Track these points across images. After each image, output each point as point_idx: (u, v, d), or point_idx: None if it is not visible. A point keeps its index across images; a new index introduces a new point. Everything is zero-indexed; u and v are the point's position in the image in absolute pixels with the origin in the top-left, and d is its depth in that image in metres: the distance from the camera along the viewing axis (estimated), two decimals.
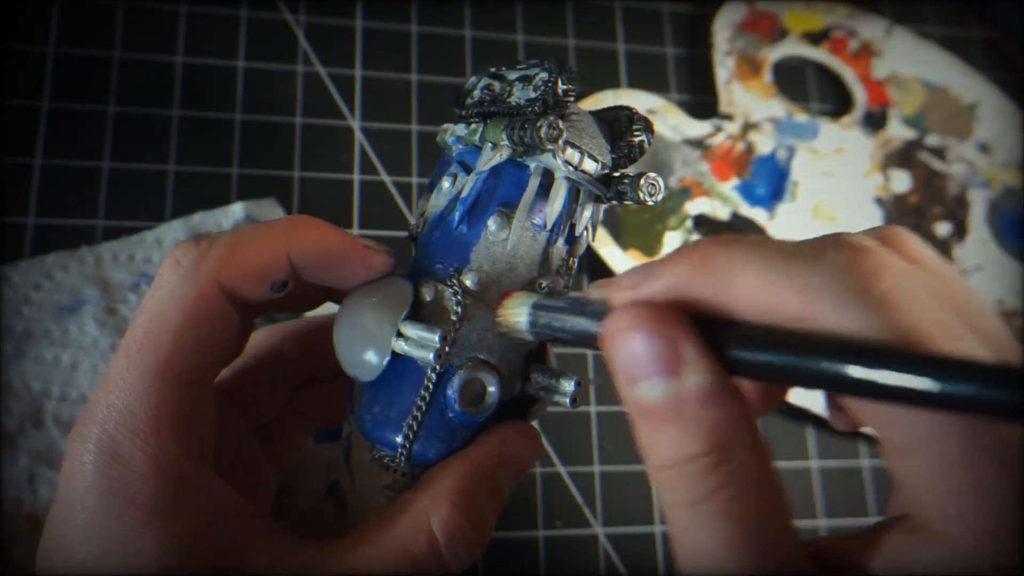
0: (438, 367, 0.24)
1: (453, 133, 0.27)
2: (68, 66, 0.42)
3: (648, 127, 0.26)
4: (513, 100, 0.26)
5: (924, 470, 0.17)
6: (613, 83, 0.49)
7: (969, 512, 0.17)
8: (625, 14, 0.51)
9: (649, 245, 0.45)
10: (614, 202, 0.26)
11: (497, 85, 0.27)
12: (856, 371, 0.15)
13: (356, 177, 0.44)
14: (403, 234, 0.43)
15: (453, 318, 0.24)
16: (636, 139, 0.26)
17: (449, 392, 0.24)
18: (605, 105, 0.46)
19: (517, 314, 0.24)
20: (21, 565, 0.33)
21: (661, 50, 0.51)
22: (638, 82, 0.50)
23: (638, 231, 0.45)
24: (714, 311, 0.18)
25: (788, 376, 0.17)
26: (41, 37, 0.43)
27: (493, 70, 0.28)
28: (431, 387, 0.24)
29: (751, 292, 0.18)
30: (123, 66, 0.43)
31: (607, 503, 0.41)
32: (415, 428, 0.24)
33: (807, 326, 0.17)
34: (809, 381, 0.17)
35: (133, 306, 0.38)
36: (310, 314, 0.31)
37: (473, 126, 0.27)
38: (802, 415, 0.45)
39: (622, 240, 0.45)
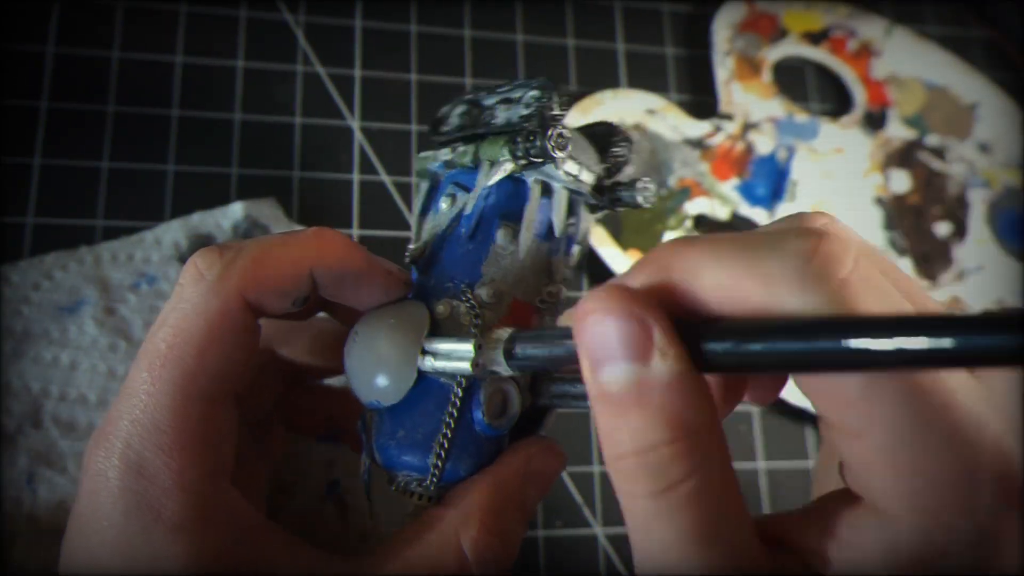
0: (465, 381, 0.24)
1: (435, 159, 0.28)
2: (67, 66, 0.42)
3: (629, 139, 0.27)
4: (500, 121, 0.26)
5: (873, 452, 0.17)
6: (612, 83, 0.49)
7: (916, 494, 0.17)
8: (624, 14, 0.51)
9: (649, 245, 0.45)
10: (607, 209, 0.27)
11: (475, 111, 0.28)
12: (832, 345, 0.15)
13: (355, 177, 0.44)
14: (403, 234, 0.44)
15: (473, 331, 0.24)
16: (621, 150, 0.27)
17: (475, 406, 0.24)
18: (605, 105, 0.46)
19: (493, 352, 0.24)
20: (21, 565, 0.33)
21: (660, 50, 0.51)
22: (637, 82, 0.50)
23: (638, 231, 0.45)
24: (683, 309, 0.19)
25: (765, 362, 0.17)
26: (40, 37, 0.43)
27: (468, 97, 0.28)
28: (458, 403, 0.24)
29: (716, 287, 0.18)
30: (122, 66, 0.43)
31: (607, 503, 0.41)
32: (446, 447, 0.24)
33: (773, 314, 0.17)
34: (787, 365, 0.17)
35: (132, 306, 0.38)
36: None
37: (460, 149, 0.27)
38: (802, 415, 0.45)
39: (622, 240, 0.45)
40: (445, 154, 0.28)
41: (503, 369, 0.24)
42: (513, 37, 0.49)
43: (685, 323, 0.18)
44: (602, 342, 0.18)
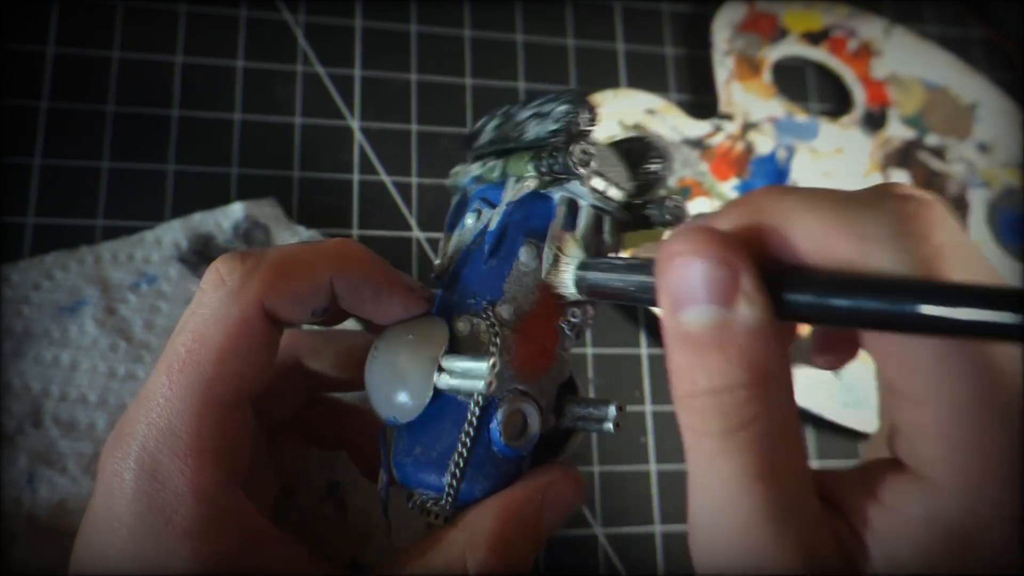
0: (482, 399, 0.23)
1: (466, 174, 0.28)
2: (67, 66, 0.42)
3: (665, 154, 0.27)
4: (530, 136, 0.26)
5: (931, 421, 0.17)
6: (612, 83, 0.49)
7: (966, 466, 0.17)
8: (624, 14, 0.51)
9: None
10: (636, 228, 0.27)
11: (508, 125, 0.28)
12: (929, 309, 0.15)
13: (356, 177, 0.44)
14: (403, 234, 0.44)
15: (492, 349, 0.24)
16: (655, 167, 0.27)
17: (493, 426, 0.24)
18: (605, 105, 0.46)
19: (562, 272, 0.24)
20: (21, 565, 0.33)
21: (660, 50, 0.51)
22: (637, 82, 0.50)
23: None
24: (769, 254, 0.19)
25: (848, 317, 0.17)
26: (40, 36, 0.43)
27: (503, 110, 0.28)
28: (475, 421, 0.24)
29: (808, 236, 0.18)
30: (122, 66, 0.43)
31: (607, 503, 0.41)
32: (461, 466, 0.24)
33: (860, 270, 0.17)
34: (869, 322, 0.17)
35: (133, 306, 0.38)
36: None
37: (490, 164, 0.27)
38: (802, 415, 0.45)
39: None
40: (476, 169, 0.27)
41: (571, 293, 0.23)
42: (513, 37, 0.49)
43: (771, 269, 0.18)
44: (687, 283, 0.18)
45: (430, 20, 0.48)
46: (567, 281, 0.24)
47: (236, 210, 0.41)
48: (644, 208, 0.26)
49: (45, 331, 0.37)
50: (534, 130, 0.26)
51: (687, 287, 0.18)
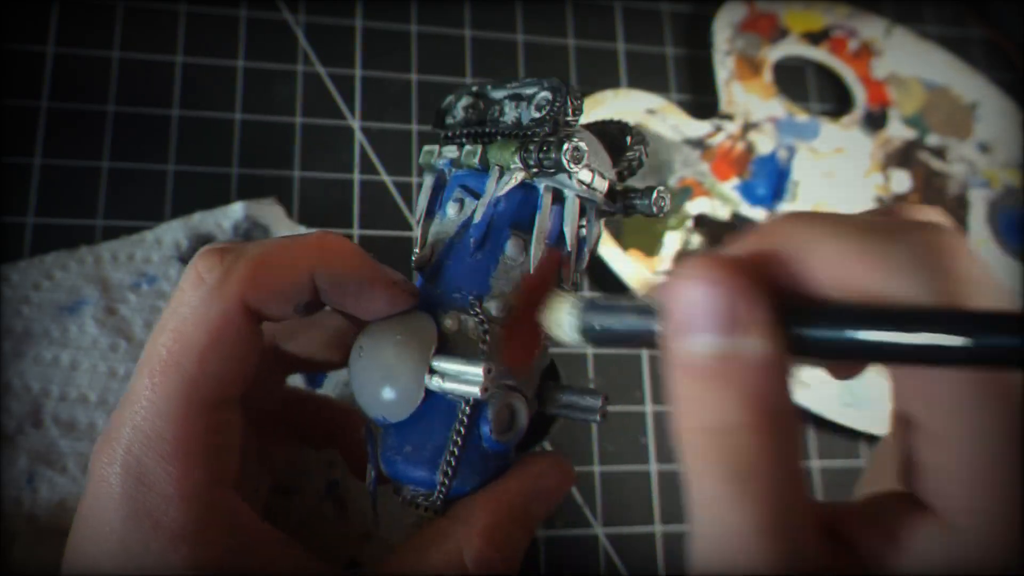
0: (479, 400, 0.23)
1: (443, 155, 0.27)
2: (67, 65, 0.42)
3: (644, 140, 0.26)
4: (507, 120, 0.26)
5: (959, 462, 0.17)
6: (613, 83, 0.49)
7: (996, 512, 0.16)
8: (625, 14, 0.51)
9: (649, 245, 0.45)
10: (619, 215, 0.26)
11: (481, 104, 0.27)
12: (953, 340, 0.15)
13: (356, 177, 0.44)
14: (404, 234, 0.44)
15: (482, 347, 0.24)
16: (636, 154, 0.26)
17: (482, 423, 0.24)
18: (605, 105, 0.46)
19: (559, 318, 0.22)
20: (21, 565, 0.33)
21: (661, 50, 0.51)
22: (638, 82, 0.50)
23: (638, 231, 0.45)
24: (787, 284, 0.18)
25: (869, 351, 0.16)
26: (40, 36, 0.43)
27: (474, 88, 0.27)
28: (466, 420, 0.23)
29: (829, 264, 0.17)
30: (122, 66, 0.43)
31: (607, 503, 0.41)
32: (453, 464, 0.24)
33: (881, 301, 0.16)
34: (892, 356, 0.16)
35: (133, 306, 0.38)
36: None
37: (468, 148, 0.26)
38: (802, 415, 0.45)
39: (623, 240, 0.45)
40: (451, 151, 0.26)
41: (571, 341, 0.22)
42: (513, 37, 0.49)
43: (786, 300, 0.17)
44: (690, 309, 0.17)
45: (430, 20, 0.48)
46: (570, 334, 0.23)
47: (236, 210, 0.41)
48: (629, 198, 0.26)
49: (45, 331, 0.37)
50: (512, 114, 0.25)
51: (693, 313, 0.17)
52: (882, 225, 0.18)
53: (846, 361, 0.21)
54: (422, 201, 0.27)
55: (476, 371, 0.23)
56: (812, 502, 0.18)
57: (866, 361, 0.20)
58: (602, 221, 0.27)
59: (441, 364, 0.23)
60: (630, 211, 0.26)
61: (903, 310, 0.16)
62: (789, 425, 0.17)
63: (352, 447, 0.32)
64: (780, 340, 0.16)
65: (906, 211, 0.20)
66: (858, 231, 0.17)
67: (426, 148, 0.28)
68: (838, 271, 0.17)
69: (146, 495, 0.21)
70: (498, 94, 0.27)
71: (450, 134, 0.27)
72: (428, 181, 0.28)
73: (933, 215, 0.19)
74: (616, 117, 0.28)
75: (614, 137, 0.27)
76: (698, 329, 0.17)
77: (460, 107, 0.27)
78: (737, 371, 0.16)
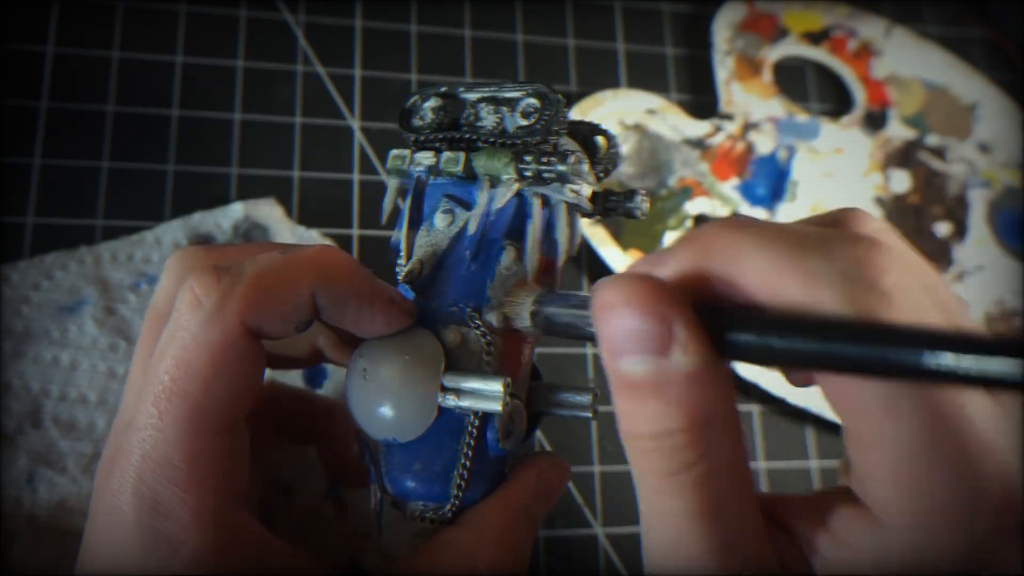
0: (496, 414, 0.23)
1: (417, 163, 0.26)
2: (67, 65, 0.42)
3: (617, 142, 0.27)
4: (485, 124, 0.25)
5: (881, 464, 0.18)
6: (612, 83, 0.49)
7: (917, 511, 0.17)
8: (624, 14, 0.51)
9: (649, 245, 0.45)
10: (600, 217, 0.27)
11: (452, 106, 0.26)
12: (861, 350, 0.16)
13: (355, 177, 0.44)
14: None
15: (487, 359, 0.23)
16: (612, 155, 0.27)
17: (489, 433, 0.24)
18: (605, 105, 0.46)
19: (520, 306, 0.24)
20: (21, 565, 0.33)
21: (660, 50, 0.51)
22: (637, 82, 0.50)
23: (638, 231, 0.45)
24: (720, 292, 0.19)
25: (789, 357, 0.17)
26: (40, 36, 0.43)
27: (442, 88, 0.27)
28: (475, 432, 0.23)
29: (756, 275, 0.18)
30: (122, 65, 0.43)
31: (607, 503, 0.41)
32: (465, 476, 0.24)
33: (801, 311, 0.17)
34: (810, 362, 0.17)
35: (132, 306, 0.38)
36: None
37: (448, 155, 0.25)
38: (802, 415, 0.45)
39: (622, 240, 0.45)
40: (427, 158, 0.26)
41: (527, 329, 0.24)
42: (513, 37, 0.49)
43: (711, 310, 0.18)
44: (620, 335, 0.18)
45: (430, 20, 0.48)
46: (523, 316, 0.24)
47: (236, 210, 0.41)
48: (609, 200, 0.26)
49: (45, 331, 0.37)
50: (490, 119, 0.25)
51: (622, 338, 0.18)
52: (814, 237, 0.18)
53: (773, 366, 0.22)
54: (398, 205, 0.26)
55: (495, 387, 0.22)
56: (754, 493, 0.19)
57: (784, 366, 0.21)
58: (577, 222, 0.27)
59: (455, 382, 0.23)
60: (609, 213, 0.26)
61: (814, 321, 0.17)
62: (726, 426, 0.18)
63: (332, 445, 0.32)
64: (706, 353, 0.18)
65: (849, 221, 0.20)
66: (787, 243, 0.18)
67: (394, 152, 0.27)
68: (766, 281, 0.18)
69: (163, 523, 0.21)
70: (470, 96, 0.26)
71: (422, 138, 0.26)
72: (395, 185, 0.27)
73: (873, 226, 0.20)
74: (616, 117, 0.28)
75: (586, 139, 0.27)
76: (629, 352, 0.18)
77: (428, 108, 0.26)
78: (667, 384, 0.18)
